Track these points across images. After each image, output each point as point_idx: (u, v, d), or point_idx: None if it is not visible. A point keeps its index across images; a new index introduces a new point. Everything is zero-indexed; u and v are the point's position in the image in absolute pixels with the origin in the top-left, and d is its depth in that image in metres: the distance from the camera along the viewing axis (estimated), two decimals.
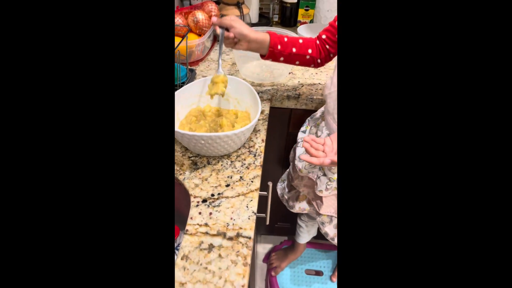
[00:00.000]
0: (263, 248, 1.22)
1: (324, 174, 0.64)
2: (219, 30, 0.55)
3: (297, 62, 0.62)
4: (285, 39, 0.59)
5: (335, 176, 0.61)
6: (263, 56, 0.60)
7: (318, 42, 0.62)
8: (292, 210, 0.81)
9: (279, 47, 0.58)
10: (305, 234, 1.03)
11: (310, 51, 0.60)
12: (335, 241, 0.74)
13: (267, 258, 1.16)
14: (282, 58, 0.60)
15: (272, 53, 0.58)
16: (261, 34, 0.57)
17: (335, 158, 0.40)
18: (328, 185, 0.64)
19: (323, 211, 0.70)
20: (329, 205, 0.69)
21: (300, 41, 0.60)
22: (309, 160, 0.41)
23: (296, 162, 0.70)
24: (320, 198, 0.69)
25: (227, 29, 0.55)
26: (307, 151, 0.42)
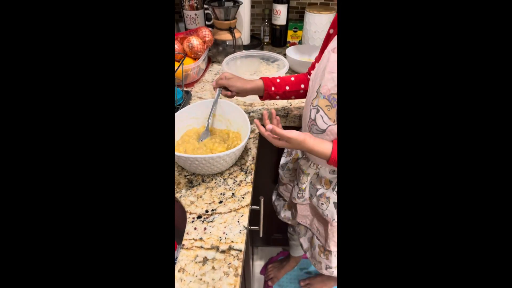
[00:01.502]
0: (260, 260, 1.24)
1: (297, 184, 0.70)
2: (217, 89, 0.65)
3: (293, 97, 0.70)
4: (278, 80, 0.67)
5: (303, 186, 0.68)
6: (261, 97, 0.68)
7: (308, 76, 0.68)
8: (279, 217, 0.86)
9: (272, 88, 0.66)
10: (297, 247, 1.07)
11: (302, 85, 0.68)
12: (308, 255, 0.79)
13: (265, 270, 1.18)
14: (278, 97, 0.68)
15: (268, 95, 0.66)
16: (255, 82, 0.65)
17: (275, 142, 0.53)
18: (299, 193, 0.70)
19: (298, 219, 0.75)
20: (304, 215, 0.74)
21: (292, 78, 0.68)
22: (257, 123, 0.55)
23: (279, 170, 0.76)
24: (295, 206, 0.73)
25: (225, 88, 0.64)
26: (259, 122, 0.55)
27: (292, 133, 0.52)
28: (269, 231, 1.15)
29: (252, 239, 1.08)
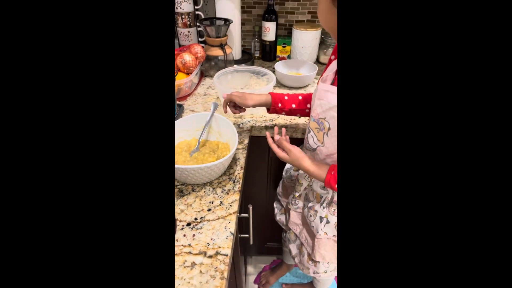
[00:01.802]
0: (254, 269, 1.25)
1: (294, 191, 0.73)
2: (224, 96, 0.70)
3: (298, 115, 0.74)
4: (286, 98, 0.71)
5: (297, 194, 0.71)
6: (268, 110, 0.72)
7: None
8: (276, 220, 0.88)
9: (279, 105, 0.71)
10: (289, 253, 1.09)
11: (308, 105, 0.71)
12: (296, 260, 0.81)
13: (258, 279, 1.19)
14: (283, 113, 0.73)
15: (274, 110, 0.72)
16: (264, 96, 0.70)
17: (279, 152, 0.60)
18: (293, 200, 0.73)
19: (290, 225, 0.78)
20: (295, 223, 0.77)
21: (300, 97, 0.71)
22: (267, 134, 0.63)
23: (283, 173, 0.82)
24: (289, 211, 0.76)
25: (235, 107, 0.71)
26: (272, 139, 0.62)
27: (294, 148, 0.58)
28: (263, 240, 1.16)
29: (245, 248, 1.09)
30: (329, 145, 0.56)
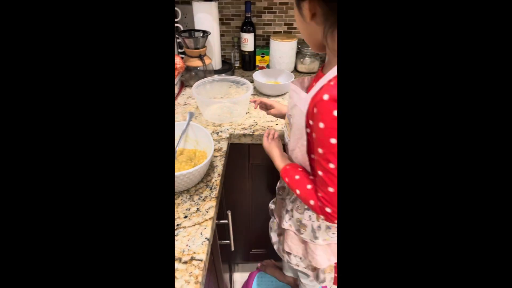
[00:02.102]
0: (240, 277, 1.25)
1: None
2: (257, 101, 0.77)
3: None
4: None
5: (279, 184, 0.77)
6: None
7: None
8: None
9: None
10: (286, 269, 1.12)
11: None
12: (275, 247, 0.86)
13: (245, 286, 1.19)
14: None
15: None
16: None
17: (264, 141, 0.70)
18: (277, 190, 0.78)
19: (275, 212, 0.83)
20: (277, 215, 0.81)
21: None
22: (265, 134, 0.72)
23: None
24: (276, 200, 0.82)
25: (266, 107, 0.78)
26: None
27: (274, 141, 0.68)
28: (248, 247, 1.17)
29: (229, 256, 1.10)
30: (292, 141, 0.59)
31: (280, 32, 1.20)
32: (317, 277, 0.76)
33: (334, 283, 0.79)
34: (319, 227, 0.66)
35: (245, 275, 1.24)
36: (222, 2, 1.14)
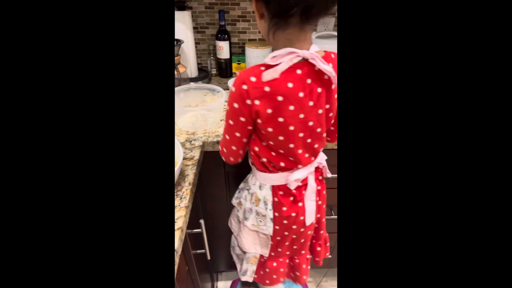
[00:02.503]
0: (224, 286, 1.23)
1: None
2: None
3: None
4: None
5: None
6: None
7: None
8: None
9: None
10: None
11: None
12: (234, 234, 0.89)
13: None
14: None
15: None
16: None
17: None
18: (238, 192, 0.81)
19: (232, 201, 0.86)
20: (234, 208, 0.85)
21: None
22: None
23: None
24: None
25: None
26: None
27: None
28: (230, 254, 1.16)
29: (209, 265, 1.08)
30: None
31: (255, 39, 1.22)
32: (240, 266, 0.80)
33: (255, 279, 0.81)
34: (250, 210, 0.72)
35: (229, 284, 1.23)
36: (196, 11, 1.15)
